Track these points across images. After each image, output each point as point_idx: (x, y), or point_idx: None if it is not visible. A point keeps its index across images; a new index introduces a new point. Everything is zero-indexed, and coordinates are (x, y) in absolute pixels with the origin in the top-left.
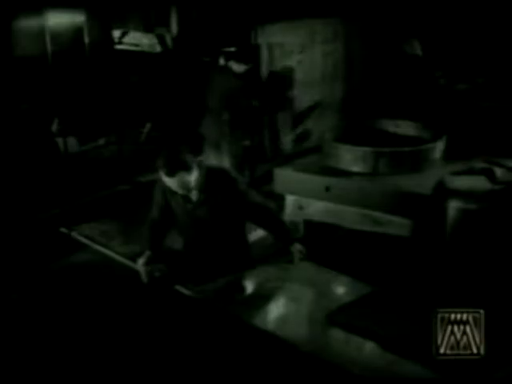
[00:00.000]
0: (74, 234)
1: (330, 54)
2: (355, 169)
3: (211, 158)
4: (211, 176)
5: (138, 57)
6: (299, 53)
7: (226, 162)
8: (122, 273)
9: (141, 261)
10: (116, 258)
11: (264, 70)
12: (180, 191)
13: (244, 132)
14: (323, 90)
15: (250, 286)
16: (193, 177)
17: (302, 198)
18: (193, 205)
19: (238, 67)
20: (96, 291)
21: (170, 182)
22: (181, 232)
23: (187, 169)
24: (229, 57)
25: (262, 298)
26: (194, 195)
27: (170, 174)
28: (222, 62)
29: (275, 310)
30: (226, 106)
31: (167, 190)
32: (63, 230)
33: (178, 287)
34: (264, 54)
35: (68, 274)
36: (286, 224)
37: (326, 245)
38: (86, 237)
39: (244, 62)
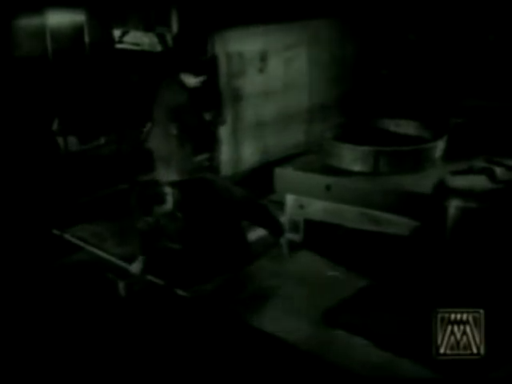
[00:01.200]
0: (66, 235)
1: (294, 61)
2: (356, 168)
3: (161, 174)
4: (188, 191)
5: (138, 56)
6: (260, 61)
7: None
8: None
9: (136, 266)
10: (110, 260)
11: (223, 81)
12: (162, 221)
13: (195, 147)
14: (287, 100)
15: (247, 285)
16: (169, 204)
17: (302, 197)
18: (180, 221)
19: (191, 80)
20: (94, 292)
21: (149, 218)
22: (176, 241)
23: (160, 203)
24: (181, 68)
25: (260, 296)
26: (178, 214)
27: (146, 214)
28: None
29: (273, 309)
30: (172, 119)
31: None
32: (56, 231)
33: (175, 288)
34: (222, 64)
35: (66, 275)
36: (275, 216)
37: (326, 244)
38: (79, 238)
39: (198, 74)
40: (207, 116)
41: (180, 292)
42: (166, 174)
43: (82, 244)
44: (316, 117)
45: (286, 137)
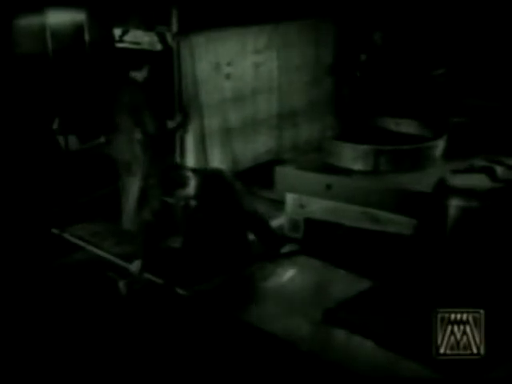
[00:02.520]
0: (66, 234)
1: (263, 65)
2: (356, 167)
3: (124, 182)
4: (207, 182)
5: (138, 55)
6: (227, 65)
7: (135, 188)
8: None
9: (136, 265)
10: (109, 259)
11: (189, 85)
12: (181, 204)
13: (158, 153)
14: (256, 105)
15: (247, 285)
16: (190, 190)
17: (302, 196)
18: (191, 210)
19: (139, 76)
20: (93, 292)
21: (169, 199)
22: (180, 233)
23: (183, 186)
24: (127, 65)
25: (260, 296)
26: (192, 202)
27: (168, 193)
28: None
29: (273, 308)
30: (135, 123)
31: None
32: (55, 230)
33: (175, 288)
34: (189, 68)
35: (65, 274)
36: (274, 231)
37: (326, 243)
38: (79, 237)
39: (139, 68)
40: (171, 124)
41: (180, 291)
42: (129, 182)
43: (81, 243)
44: (286, 122)
45: (256, 144)
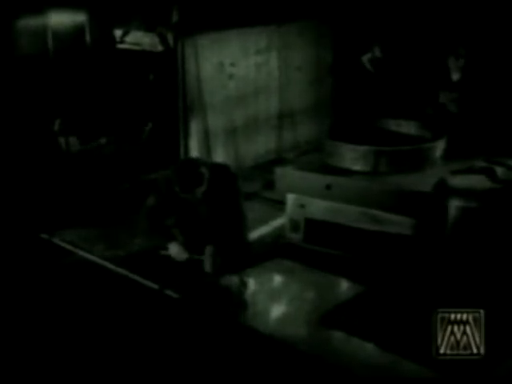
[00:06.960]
0: (55, 239)
1: (264, 66)
2: (356, 167)
3: None
4: (214, 173)
5: (139, 56)
6: (231, 65)
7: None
8: (107, 277)
9: (176, 252)
10: (102, 263)
11: (193, 84)
12: (197, 199)
13: None
14: (258, 105)
15: (246, 287)
16: (204, 185)
17: (303, 196)
18: (196, 200)
19: None
20: (86, 295)
21: (184, 194)
22: (180, 228)
23: (202, 184)
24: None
25: (258, 298)
26: (198, 193)
27: (187, 191)
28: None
29: (271, 311)
30: None
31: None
32: (44, 235)
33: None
34: (192, 68)
35: (66, 274)
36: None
37: (326, 243)
38: (69, 242)
39: None
40: None
41: (178, 294)
42: None
43: (72, 249)
44: (286, 122)
45: (257, 143)
